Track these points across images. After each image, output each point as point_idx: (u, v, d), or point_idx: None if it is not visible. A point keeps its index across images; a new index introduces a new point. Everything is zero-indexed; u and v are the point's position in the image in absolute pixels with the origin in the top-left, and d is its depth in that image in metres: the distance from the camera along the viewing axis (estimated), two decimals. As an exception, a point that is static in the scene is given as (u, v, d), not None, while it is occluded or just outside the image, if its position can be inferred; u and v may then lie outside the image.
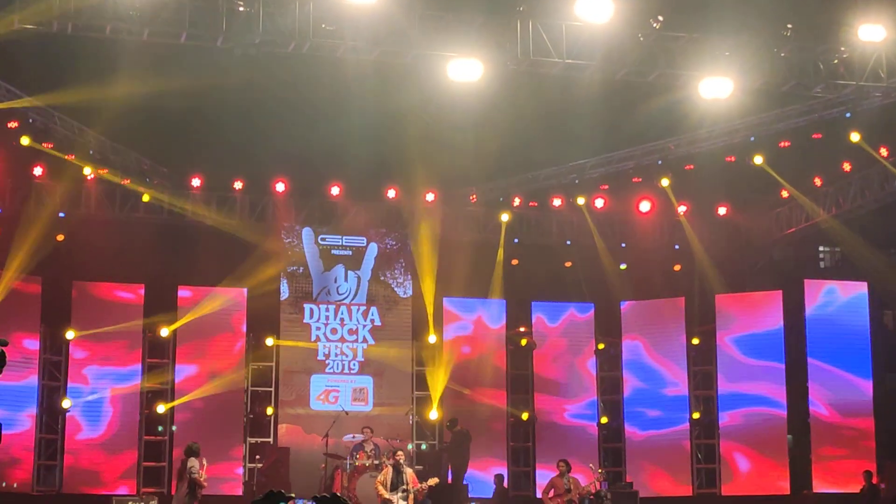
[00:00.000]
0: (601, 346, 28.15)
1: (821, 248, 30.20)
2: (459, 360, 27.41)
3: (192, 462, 21.78)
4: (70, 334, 25.20)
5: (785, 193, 27.07)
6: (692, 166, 26.41)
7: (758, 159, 25.53)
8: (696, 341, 27.55)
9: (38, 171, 24.94)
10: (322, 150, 24.26)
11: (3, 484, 23.86)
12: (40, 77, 22.29)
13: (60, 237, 25.41)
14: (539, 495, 25.41)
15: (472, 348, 27.60)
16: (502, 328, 27.85)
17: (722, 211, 28.02)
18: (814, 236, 28.18)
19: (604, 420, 27.80)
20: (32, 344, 24.81)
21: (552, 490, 23.66)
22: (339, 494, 4.94)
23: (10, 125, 23.56)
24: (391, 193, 27.22)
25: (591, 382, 28.00)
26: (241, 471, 25.75)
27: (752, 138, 25.31)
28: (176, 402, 25.80)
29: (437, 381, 27.02)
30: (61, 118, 24.05)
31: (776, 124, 24.85)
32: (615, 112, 23.50)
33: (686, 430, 27.34)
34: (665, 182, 27.02)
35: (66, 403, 25.12)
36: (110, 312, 25.53)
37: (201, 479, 21.54)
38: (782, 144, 25.11)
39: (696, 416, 27.31)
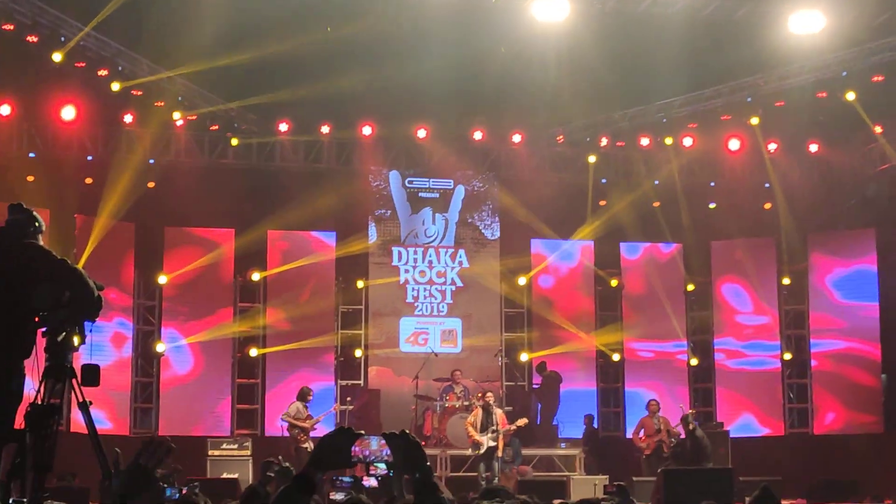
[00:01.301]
0: (691, 287, 27.97)
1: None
2: (548, 301, 27.45)
3: (292, 406, 22.46)
4: (162, 279, 25.54)
5: (878, 129, 26.59)
6: (782, 103, 25.98)
7: (850, 96, 25.08)
8: (787, 281, 27.31)
9: (128, 118, 25.20)
10: (408, 93, 24.25)
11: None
12: (128, 25, 22.47)
13: (151, 184, 25.73)
14: (629, 435, 25.47)
15: (560, 289, 27.59)
16: (591, 269, 27.79)
17: (813, 148, 27.57)
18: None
19: (694, 360, 27.66)
20: (126, 288, 25.18)
21: (642, 430, 23.68)
22: (407, 431, 4.99)
23: (100, 73, 23.81)
24: (477, 135, 27.12)
25: (681, 323, 27.88)
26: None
27: (844, 73, 24.85)
28: (269, 350, 26.14)
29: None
30: (150, 65, 24.23)
31: (869, 58, 24.36)
32: (703, 49, 23.21)
33: (778, 370, 27.18)
34: (755, 121, 26.66)
35: (160, 348, 25.52)
36: (201, 257, 25.84)
37: (292, 420, 22.13)
38: (875, 79, 24.63)
39: (787, 355, 27.11)
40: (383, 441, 4.97)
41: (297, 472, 4.94)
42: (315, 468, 4.90)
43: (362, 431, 5.12)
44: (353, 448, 4.97)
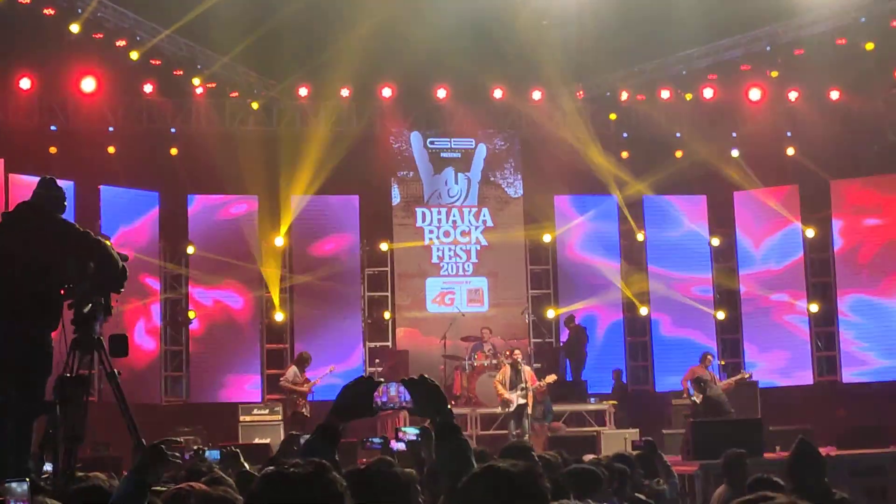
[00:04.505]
0: (716, 240, 27.85)
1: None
2: (573, 256, 27.43)
3: (289, 370, 22.62)
4: (190, 249, 25.60)
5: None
6: (802, 51, 25.90)
7: (869, 47, 24.98)
8: (811, 231, 27.16)
9: (148, 88, 25.30)
10: (427, 53, 24.22)
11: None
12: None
13: (174, 151, 25.81)
14: (658, 389, 25.56)
15: (585, 244, 27.54)
16: (615, 224, 27.75)
17: (834, 95, 27.41)
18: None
19: (720, 313, 27.60)
20: (152, 257, 25.28)
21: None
22: (426, 376, 5.05)
23: (118, 44, 23.88)
24: (498, 93, 27.06)
25: (706, 275, 27.82)
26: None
27: (863, 19, 24.73)
28: (296, 307, 26.22)
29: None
30: (169, 36, 24.28)
31: (887, 3, 24.22)
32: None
33: (805, 319, 27.12)
34: (775, 74, 26.62)
35: (190, 315, 25.66)
36: (225, 224, 25.95)
37: (289, 385, 22.31)
38: (894, 24, 24.48)
39: (814, 306, 27.02)
40: (402, 387, 4.98)
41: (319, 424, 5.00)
42: (337, 417, 4.96)
43: (382, 379, 5.18)
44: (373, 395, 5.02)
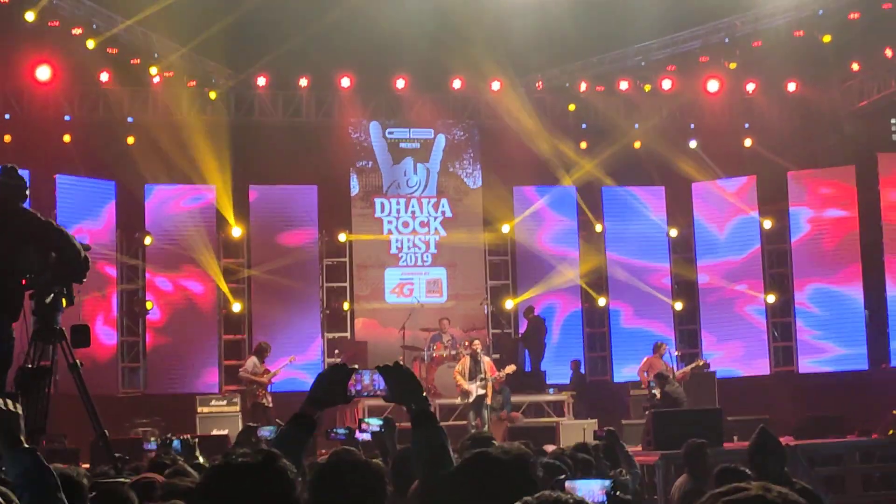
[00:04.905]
0: (674, 232, 27.96)
1: (893, 121, 29.64)
2: (532, 247, 27.43)
3: (248, 361, 22.45)
4: (147, 240, 25.39)
5: (855, 66, 26.61)
6: (759, 43, 26.01)
7: (826, 39, 25.13)
8: (768, 222, 27.27)
9: (104, 76, 25.08)
10: (386, 43, 24.16)
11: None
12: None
13: (131, 140, 25.59)
14: (616, 379, 25.62)
15: (544, 235, 27.56)
16: (573, 214, 27.77)
17: (791, 87, 27.56)
18: (886, 108, 27.71)
19: (678, 304, 27.70)
20: (109, 247, 25.07)
21: (650, 369, 23.46)
22: (400, 362, 4.99)
23: (74, 32, 23.67)
24: (457, 84, 27.03)
25: (664, 265, 27.91)
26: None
27: (821, 11, 24.84)
28: (253, 304, 26.10)
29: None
30: (125, 24, 24.08)
31: (846, -4, 24.37)
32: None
33: (762, 309, 27.23)
34: (733, 66, 26.75)
35: (148, 306, 25.45)
36: (183, 214, 25.77)
37: (249, 375, 22.14)
38: (852, 16, 24.62)
39: (771, 297, 27.14)
40: (376, 375, 4.91)
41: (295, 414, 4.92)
42: (313, 406, 4.90)
43: (356, 366, 5.11)
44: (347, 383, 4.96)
